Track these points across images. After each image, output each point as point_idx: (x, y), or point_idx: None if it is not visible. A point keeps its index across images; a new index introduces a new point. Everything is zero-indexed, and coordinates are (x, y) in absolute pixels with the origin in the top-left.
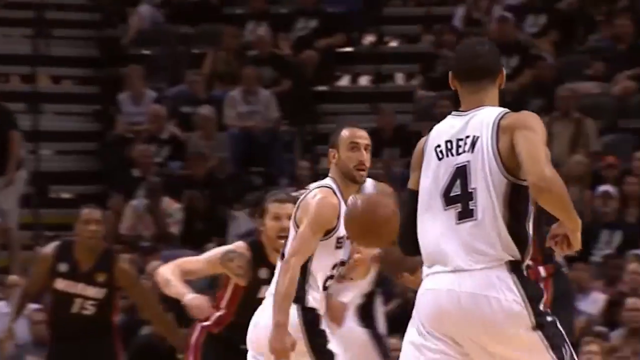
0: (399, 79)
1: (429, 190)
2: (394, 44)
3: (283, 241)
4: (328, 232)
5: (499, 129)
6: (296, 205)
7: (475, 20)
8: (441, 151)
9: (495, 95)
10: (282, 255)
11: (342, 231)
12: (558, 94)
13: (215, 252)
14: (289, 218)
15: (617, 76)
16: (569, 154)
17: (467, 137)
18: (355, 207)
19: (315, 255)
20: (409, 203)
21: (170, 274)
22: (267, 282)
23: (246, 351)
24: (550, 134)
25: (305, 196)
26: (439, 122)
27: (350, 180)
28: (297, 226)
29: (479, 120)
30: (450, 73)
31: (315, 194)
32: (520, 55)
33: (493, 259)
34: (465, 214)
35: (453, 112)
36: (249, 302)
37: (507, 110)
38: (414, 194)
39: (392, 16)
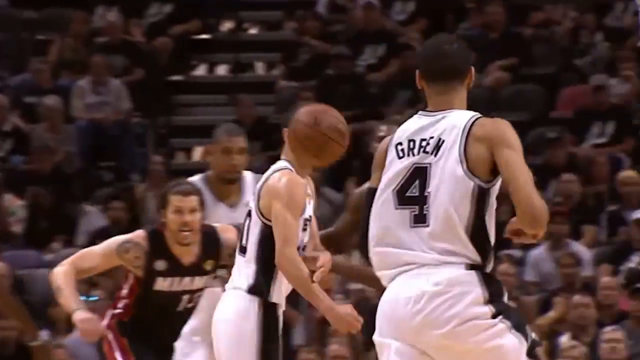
0: (259, 68)
1: (385, 187)
2: (253, 31)
3: (186, 234)
4: None
5: (469, 135)
6: (255, 193)
7: (340, 7)
8: (402, 150)
9: (464, 96)
10: (242, 250)
11: (308, 212)
12: None
13: (111, 243)
14: (192, 211)
15: (489, 67)
16: None
17: (432, 138)
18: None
19: None
20: (369, 201)
21: (63, 279)
22: (163, 274)
23: (160, 346)
24: None
25: (265, 182)
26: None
27: None
28: (261, 214)
29: (448, 124)
30: (417, 72)
31: (280, 177)
32: (387, 44)
33: (451, 262)
34: (420, 219)
35: (420, 112)
36: (145, 294)
37: (477, 115)
38: (374, 192)
39: (251, 1)
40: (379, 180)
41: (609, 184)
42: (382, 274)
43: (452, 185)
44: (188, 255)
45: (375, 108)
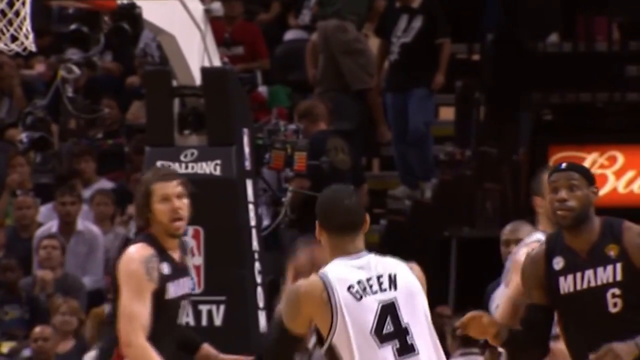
0: None
1: (355, 332)
2: None
3: (178, 224)
4: None
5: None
6: None
7: None
8: (357, 291)
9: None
10: None
11: None
12: None
13: (137, 280)
14: (179, 197)
15: None
16: None
17: (380, 276)
18: None
19: None
20: (288, 345)
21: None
22: (170, 278)
23: None
24: None
25: None
26: None
27: None
28: None
29: (383, 261)
30: (318, 224)
31: None
32: None
33: None
34: (405, 349)
35: (341, 259)
36: (156, 310)
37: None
38: (297, 339)
39: None
40: (306, 324)
41: None
42: None
43: (423, 312)
44: (176, 252)
45: None
